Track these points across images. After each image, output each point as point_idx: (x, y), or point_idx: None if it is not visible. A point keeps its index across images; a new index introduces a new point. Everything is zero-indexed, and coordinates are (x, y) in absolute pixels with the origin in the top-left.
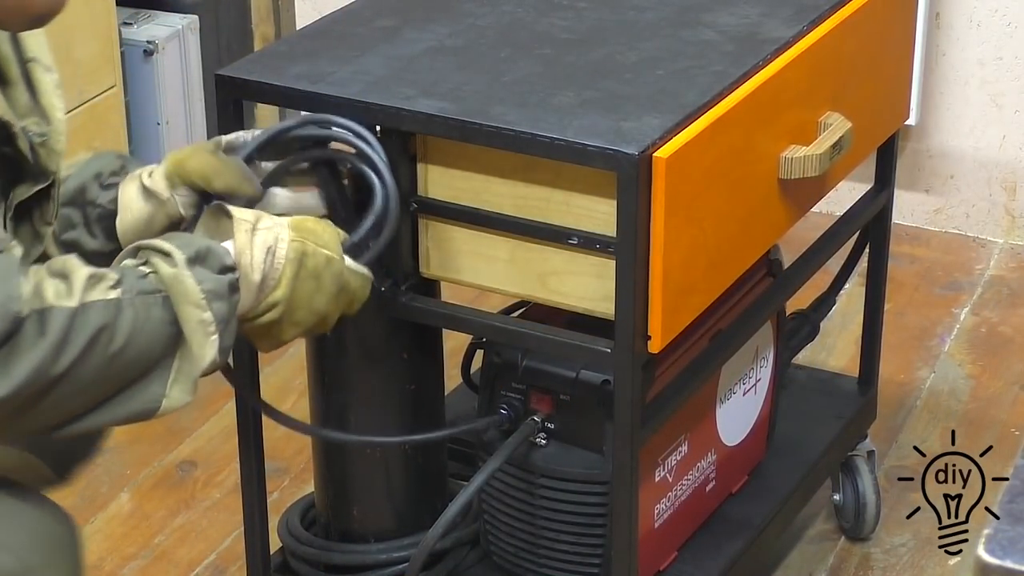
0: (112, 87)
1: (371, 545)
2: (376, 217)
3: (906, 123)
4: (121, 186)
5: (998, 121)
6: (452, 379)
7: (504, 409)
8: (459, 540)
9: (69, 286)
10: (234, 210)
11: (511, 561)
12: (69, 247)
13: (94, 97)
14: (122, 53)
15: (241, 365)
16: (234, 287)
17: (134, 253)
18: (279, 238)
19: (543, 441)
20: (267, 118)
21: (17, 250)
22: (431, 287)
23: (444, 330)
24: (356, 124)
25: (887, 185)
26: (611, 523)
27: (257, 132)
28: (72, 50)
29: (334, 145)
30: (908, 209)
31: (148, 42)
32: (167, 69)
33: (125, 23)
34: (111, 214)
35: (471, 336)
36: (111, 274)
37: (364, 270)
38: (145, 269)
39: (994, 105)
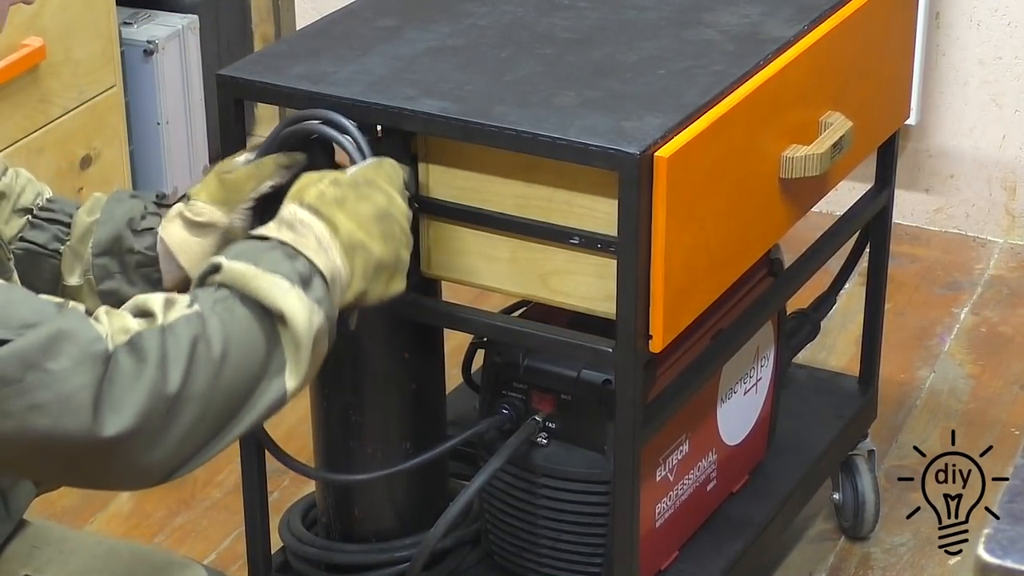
0: (112, 87)
1: (372, 545)
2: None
3: (906, 123)
4: (161, 232)
5: (998, 121)
6: (452, 379)
7: (505, 409)
8: (460, 540)
9: (150, 313)
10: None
11: (512, 561)
12: (108, 296)
13: (94, 97)
14: (122, 53)
15: None
16: (290, 253)
17: (197, 283)
18: (312, 221)
19: (544, 441)
20: (267, 118)
21: (79, 305)
22: (432, 287)
23: (445, 330)
24: (330, 114)
25: (887, 185)
26: (612, 522)
27: (247, 155)
28: (72, 50)
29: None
30: (908, 209)
31: (148, 42)
32: (167, 69)
33: (125, 23)
34: (150, 260)
35: (472, 336)
36: (184, 297)
37: (369, 160)
38: (211, 287)
39: (994, 105)
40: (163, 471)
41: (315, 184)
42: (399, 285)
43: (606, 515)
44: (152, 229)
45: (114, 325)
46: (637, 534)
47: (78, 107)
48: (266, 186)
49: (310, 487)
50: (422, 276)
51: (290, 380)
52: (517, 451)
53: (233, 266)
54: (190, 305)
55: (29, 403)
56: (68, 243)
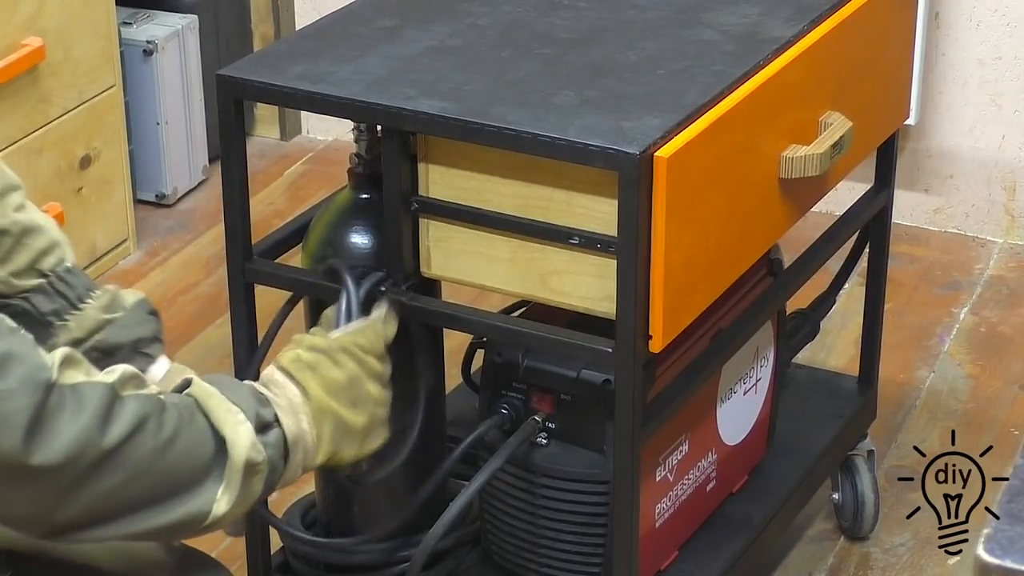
0: (112, 87)
1: (372, 545)
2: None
3: (906, 123)
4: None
5: (997, 121)
6: (452, 379)
7: (505, 409)
8: (460, 540)
9: (108, 371)
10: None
11: (512, 561)
12: None
13: (94, 97)
14: (122, 53)
15: None
16: (261, 399)
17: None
18: (286, 383)
19: (544, 441)
20: (267, 118)
21: (28, 335)
22: (432, 287)
23: (444, 330)
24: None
25: (887, 185)
26: (612, 522)
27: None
28: (72, 50)
29: None
30: (908, 209)
31: (148, 42)
32: (167, 69)
33: (125, 23)
34: None
35: (471, 336)
36: (154, 386)
37: (355, 324)
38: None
39: (993, 105)
40: (64, 522)
41: (294, 348)
42: (374, 444)
43: (606, 515)
44: (150, 356)
45: (66, 357)
46: (637, 534)
47: (77, 107)
48: None
49: (309, 487)
50: (421, 276)
51: (220, 501)
52: (517, 451)
53: (202, 384)
54: (157, 393)
55: None
56: (68, 323)
